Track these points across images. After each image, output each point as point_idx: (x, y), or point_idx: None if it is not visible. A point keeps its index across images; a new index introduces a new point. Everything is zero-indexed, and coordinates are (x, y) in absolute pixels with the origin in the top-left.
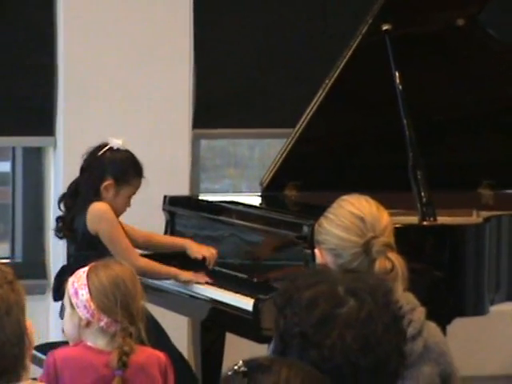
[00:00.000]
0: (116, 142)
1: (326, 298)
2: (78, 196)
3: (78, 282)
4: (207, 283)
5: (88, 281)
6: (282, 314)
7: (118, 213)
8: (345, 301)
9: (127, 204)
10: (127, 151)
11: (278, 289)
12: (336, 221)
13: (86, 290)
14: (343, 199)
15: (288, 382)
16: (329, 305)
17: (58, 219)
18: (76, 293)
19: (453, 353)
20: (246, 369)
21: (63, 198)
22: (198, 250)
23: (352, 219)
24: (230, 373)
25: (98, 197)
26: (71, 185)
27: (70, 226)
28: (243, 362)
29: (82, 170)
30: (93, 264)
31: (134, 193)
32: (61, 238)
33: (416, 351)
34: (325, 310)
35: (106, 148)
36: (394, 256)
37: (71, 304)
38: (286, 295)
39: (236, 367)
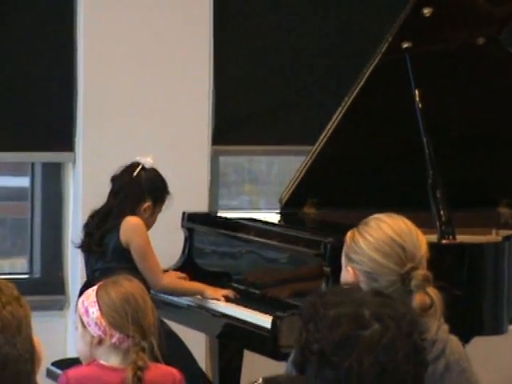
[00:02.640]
0: (147, 161)
1: (350, 319)
2: (110, 216)
3: (88, 301)
4: (225, 299)
5: (98, 298)
6: (305, 327)
7: (147, 229)
8: (368, 324)
9: (155, 221)
10: (155, 169)
11: (306, 301)
12: (375, 244)
13: (97, 307)
14: (381, 220)
15: None
16: (352, 326)
17: (86, 235)
18: (86, 311)
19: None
20: None
21: (94, 216)
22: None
23: (392, 245)
24: None
25: (133, 215)
26: (105, 206)
27: (98, 242)
28: (263, 379)
29: (116, 191)
30: (101, 282)
31: (161, 209)
32: (87, 252)
33: (438, 371)
34: (347, 331)
35: (140, 168)
36: (432, 291)
37: (82, 323)
38: (312, 309)
39: None
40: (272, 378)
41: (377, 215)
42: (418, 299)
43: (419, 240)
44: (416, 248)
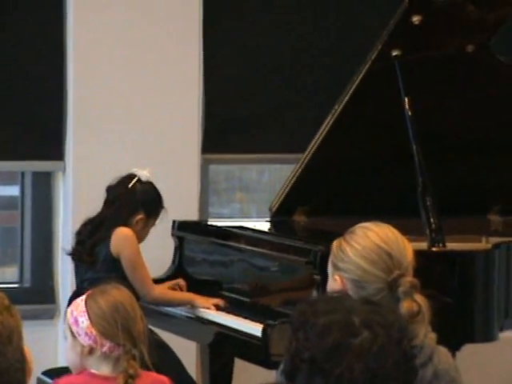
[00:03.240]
0: (144, 174)
1: (340, 327)
2: (102, 226)
3: (77, 310)
4: (217, 308)
5: (87, 308)
6: (295, 335)
7: (138, 242)
8: (358, 332)
9: (148, 234)
10: (151, 183)
11: (296, 309)
12: (362, 252)
13: (86, 316)
14: (368, 228)
15: None
16: (342, 334)
17: (77, 244)
18: (76, 321)
19: (462, 377)
20: None
21: (87, 225)
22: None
23: (379, 253)
24: None
25: (125, 226)
26: (99, 215)
27: (89, 251)
28: None
29: (110, 200)
30: (90, 291)
31: (155, 223)
32: (77, 260)
33: (425, 378)
34: (337, 339)
35: (135, 180)
36: (420, 298)
37: (72, 333)
38: (301, 318)
39: None
40: None
41: (363, 224)
42: (405, 306)
43: (406, 248)
44: (403, 255)
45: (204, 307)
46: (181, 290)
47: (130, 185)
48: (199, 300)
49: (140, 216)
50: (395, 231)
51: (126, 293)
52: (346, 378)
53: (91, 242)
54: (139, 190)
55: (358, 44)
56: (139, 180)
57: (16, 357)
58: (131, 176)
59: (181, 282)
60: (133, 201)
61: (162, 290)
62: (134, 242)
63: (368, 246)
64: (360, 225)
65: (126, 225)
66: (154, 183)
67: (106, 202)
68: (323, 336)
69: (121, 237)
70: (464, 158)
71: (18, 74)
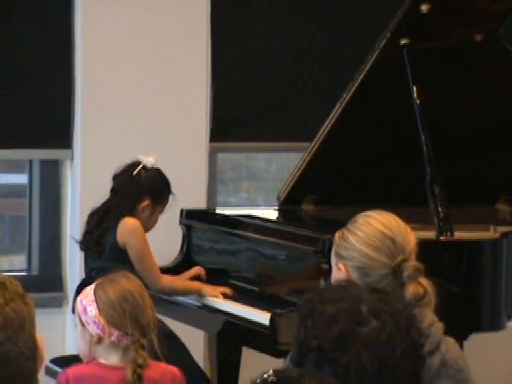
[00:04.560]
0: (149, 161)
1: (348, 316)
2: (109, 214)
3: (86, 299)
4: (224, 297)
5: (96, 297)
6: (303, 323)
7: (147, 230)
8: (367, 321)
9: (157, 221)
10: (158, 169)
11: (304, 297)
12: (366, 239)
13: (94, 305)
14: (370, 216)
15: None
16: (350, 323)
17: (85, 233)
18: (85, 310)
19: (470, 368)
20: (275, 378)
21: (94, 215)
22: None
23: (383, 239)
24: (258, 380)
25: (131, 215)
26: (105, 204)
27: (97, 240)
28: (273, 371)
29: (115, 189)
30: (99, 280)
31: (163, 210)
32: (85, 251)
33: (433, 367)
34: (345, 328)
35: (140, 167)
36: (425, 281)
37: (81, 322)
38: (310, 306)
39: (266, 375)
40: (283, 370)
41: (365, 212)
42: (411, 290)
43: (408, 234)
44: (406, 241)
45: (211, 296)
46: (201, 278)
47: (135, 172)
48: (206, 289)
49: (146, 203)
50: (397, 218)
51: (136, 281)
52: (353, 367)
53: (99, 231)
54: (144, 176)
55: (363, 40)
56: (144, 167)
57: (28, 345)
58: (136, 163)
59: (198, 270)
60: (137, 188)
61: (169, 280)
62: (141, 232)
63: (371, 232)
64: (362, 213)
65: (132, 212)
66: (162, 171)
67: (112, 191)
68: (331, 325)
69: (127, 227)
70: (472, 147)
71: (26, 63)
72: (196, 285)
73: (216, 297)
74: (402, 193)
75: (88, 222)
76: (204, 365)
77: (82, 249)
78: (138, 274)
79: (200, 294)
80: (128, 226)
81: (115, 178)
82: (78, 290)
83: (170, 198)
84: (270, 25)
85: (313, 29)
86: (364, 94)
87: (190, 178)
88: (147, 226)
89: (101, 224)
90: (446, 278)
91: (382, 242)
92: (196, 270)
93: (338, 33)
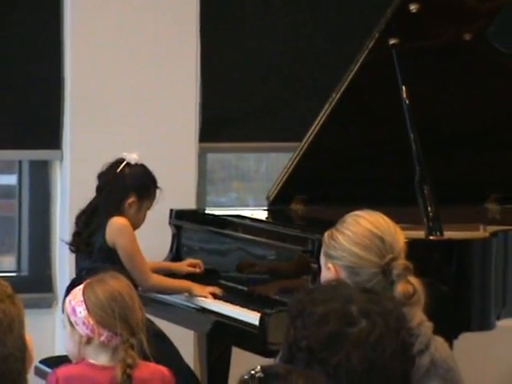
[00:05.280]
0: (132, 157)
1: (337, 316)
2: (96, 213)
3: (75, 300)
4: (214, 297)
5: (84, 297)
6: (293, 323)
7: (136, 227)
8: (356, 321)
9: (145, 217)
10: (142, 165)
11: (294, 297)
12: (354, 238)
13: (83, 306)
14: (359, 215)
15: None
16: (340, 323)
17: (75, 235)
18: (74, 310)
19: (459, 368)
20: (262, 375)
21: (82, 215)
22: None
23: (372, 238)
24: (246, 376)
25: (119, 213)
26: (91, 203)
27: (87, 241)
28: (261, 367)
29: (101, 188)
30: (88, 281)
31: (152, 205)
32: (75, 252)
33: (423, 366)
34: (335, 328)
35: (124, 164)
36: (414, 280)
37: (70, 322)
38: (299, 306)
39: (253, 372)
40: (270, 366)
41: (353, 212)
42: (400, 288)
43: (397, 233)
44: (395, 240)
45: (201, 296)
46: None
47: (119, 169)
48: (196, 288)
49: (132, 199)
50: (386, 218)
51: (124, 282)
52: (343, 367)
53: (88, 231)
54: (128, 173)
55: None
56: (128, 164)
57: (16, 345)
58: (120, 160)
59: (200, 263)
60: (122, 185)
61: (159, 278)
62: (129, 231)
63: (360, 232)
64: (351, 213)
65: (118, 210)
66: (152, 171)
67: (98, 189)
68: (321, 325)
69: (115, 226)
70: (462, 147)
71: (15, 64)
72: (186, 284)
73: (205, 297)
74: (391, 192)
75: (76, 223)
76: (194, 365)
77: (72, 250)
78: (127, 274)
79: (190, 293)
80: (116, 225)
81: (100, 176)
82: (68, 290)
83: (158, 192)
84: (261, 25)
85: (309, 29)
86: (353, 93)
87: (179, 178)
88: (136, 222)
89: (89, 224)
90: (435, 278)
91: (371, 241)
92: (199, 262)
93: (334, 33)
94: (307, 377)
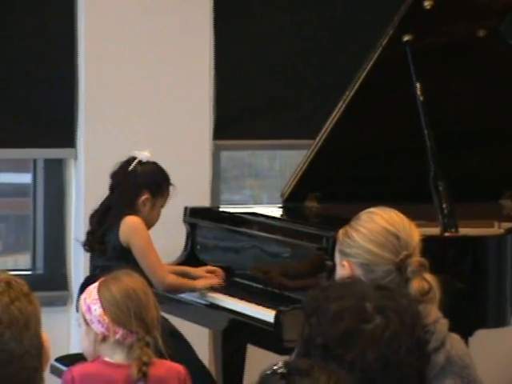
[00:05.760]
0: (144, 155)
1: (352, 313)
2: (109, 212)
3: (90, 298)
4: (229, 295)
5: (99, 295)
6: (308, 321)
7: (151, 225)
8: (371, 318)
9: (160, 215)
10: (154, 163)
11: (309, 295)
12: (369, 235)
13: (98, 304)
14: (373, 212)
15: None
16: (354, 320)
17: (88, 234)
18: (89, 309)
19: (475, 365)
20: (285, 370)
21: (95, 215)
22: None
23: (387, 235)
24: (268, 372)
25: (133, 211)
26: (104, 202)
27: (100, 240)
28: (283, 363)
29: (113, 186)
30: (102, 279)
31: (165, 202)
32: (89, 251)
33: (438, 364)
34: (349, 325)
35: (136, 162)
36: (429, 277)
37: (85, 321)
38: (314, 303)
39: (275, 367)
40: (293, 362)
41: (368, 209)
42: (415, 285)
43: (412, 230)
44: (409, 237)
45: (205, 288)
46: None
47: (131, 168)
48: (199, 283)
49: (145, 196)
50: (401, 215)
51: (139, 279)
52: (358, 365)
53: (101, 230)
54: (140, 170)
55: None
56: (140, 161)
57: (33, 344)
58: (131, 159)
59: (219, 271)
60: (134, 183)
61: (175, 277)
62: (143, 230)
63: (374, 229)
64: (365, 210)
65: (132, 208)
66: (166, 170)
67: (110, 188)
68: (335, 322)
69: (129, 226)
70: (475, 143)
71: (29, 62)
72: (191, 282)
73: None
74: (405, 189)
75: (90, 223)
76: (208, 363)
77: (86, 250)
78: (142, 272)
79: (195, 290)
80: (130, 224)
81: (113, 175)
82: (82, 288)
83: (171, 190)
84: (273, 23)
85: (316, 28)
86: (367, 91)
87: (193, 176)
88: (150, 220)
89: (102, 223)
90: (450, 275)
91: (386, 238)
92: (217, 269)
93: (341, 31)
94: (330, 372)
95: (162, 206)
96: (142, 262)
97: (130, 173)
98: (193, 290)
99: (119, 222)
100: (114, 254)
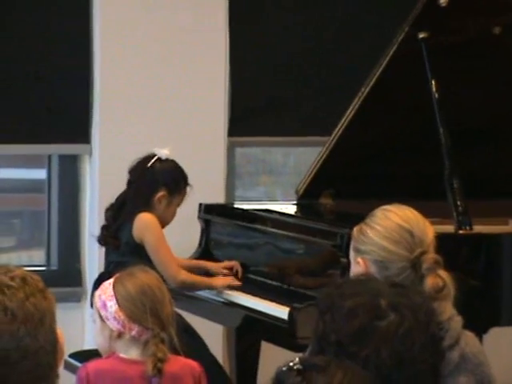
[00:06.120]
0: (163, 152)
1: (366, 310)
2: (124, 208)
3: (105, 294)
4: (243, 291)
5: (115, 292)
6: (322, 318)
7: (166, 223)
8: (385, 315)
9: (175, 213)
10: (173, 161)
11: (323, 292)
12: (384, 233)
13: (114, 301)
14: (388, 210)
15: None
16: (368, 317)
17: (103, 228)
18: (104, 305)
19: (490, 362)
20: (301, 366)
21: (110, 209)
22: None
23: (401, 232)
24: (284, 368)
25: (148, 207)
26: (120, 197)
27: (115, 235)
28: (299, 359)
29: (131, 182)
30: (117, 275)
31: (182, 202)
32: (104, 245)
33: (453, 361)
34: (364, 322)
35: (155, 159)
36: (444, 274)
37: (100, 317)
38: (328, 300)
39: (291, 364)
40: (309, 358)
41: (383, 206)
42: (430, 282)
43: (426, 227)
44: (424, 234)
45: (222, 286)
46: (237, 274)
47: (149, 164)
48: (216, 281)
49: (161, 193)
50: (415, 212)
51: (154, 275)
52: (372, 361)
53: (115, 226)
54: (158, 167)
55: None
56: (159, 159)
57: (48, 339)
58: (151, 155)
59: (236, 265)
60: (152, 179)
61: (188, 274)
62: (156, 227)
63: (389, 226)
64: (380, 208)
65: (148, 204)
66: (177, 162)
67: (128, 184)
68: (350, 319)
69: (142, 222)
70: (490, 140)
71: (43, 58)
72: (207, 279)
73: (226, 287)
74: (420, 186)
75: (105, 217)
76: (222, 359)
77: (100, 244)
78: (155, 269)
79: (212, 288)
80: (143, 221)
81: (131, 171)
82: (96, 284)
83: (188, 190)
84: (288, 19)
85: (332, 21)
86: (382, 88)
87: (208, 173)
88: (165, 218)
89: (117, 218)
90: (464, 272)
91: (401, 235)
92: (234, 264)
93: (359, 25)
94: (346, 368)
95: (178, 205)
96: (155, 258)
97: (148, 169)
98: (210, 288)
99: (133, 218)
100: (127, 249)
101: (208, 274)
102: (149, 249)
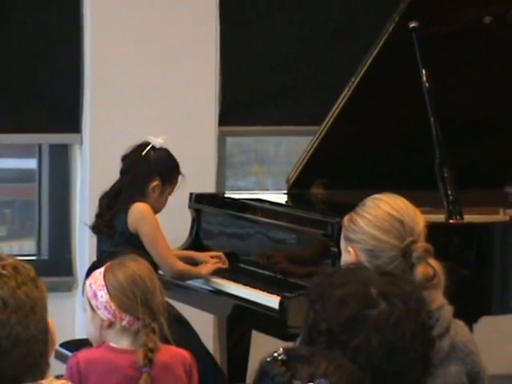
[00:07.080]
0: (158, 141)
1: (357, 299)
2: (119, 196)
3: (96, 284)
4: (234, 281)
5: (105, 281)
6: (312, 307)
7: (157, 211)
8: (376, 303)
9: (166, 202)
10: (167, 150)
11: (313, 281)
12: (374, 221)
13: (105, 290)
14: (378, 199)
15: (325, 376)
16: (359, 306)
17: (97, 216)
18: (95, 295)
19: (480, 351)
20: (285, 357)
21: (105, 197)
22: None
23: (392, 221)
24: (269, 359)
25: (142, 196)
26: (115, 185)
27: (109, 223)
28: (284, 349)
29: (125, 170)
30: (108, 264)
31: (173, 190)
32: (97, 234)
33: (443, 350)
34: (354, 311)
35: (149, 147)
36: (434, 263)
37: (91, 306)
38: (318, 289)
39: (276, 354)
40: (293, 348)
41: (373, 195)
42: (420, 271)
43: (417, 216)
44: (414, 223)
45: (207, 274)
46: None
47: (144, 152)
48: (203, 269)
49: (155, 183)
50: (405, 201)
51: (145, 265)
52: (363, 350)
53: (110, 214)
54: (153, 156)
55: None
56: (153, 147)
57: (39, 328)
58: (145, 144)
59: (222, 256)
60: (147, 168)
61: (184, 264)
62: (152, 217)
63: (379, 215)
64: (371, 197)
65: (142, 193)
66: (173, 155)
67: (121, 172)
68: (340, 308)
69: (137, 212)
70: (481, 131)
71: (34, 48)
72: (196, 269)
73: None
74: (411, 176)
75: (99, 206)
76: (213, 349)
77: (94, 232)
78: (149, 259)
79: (201, 277)
80: (138, 211)
81: (124, 158)
82: (89, 274)
83: (179, 178)
84: (280, 8)
85: (323, 10)
86: (373, 77)
87: (198, 162)
88: (157, 207)
89: (112, 206)
90: (455, 261)
91: (391, 224)
92: (220, 255)
93: (349, 14)
94: (331, 358)
95: (170, 194)
96: (152, 249)
97: (143, 158)
98: (199, 276)
99: (128, 208)
100: (121, 239)
101: (195, 263)
102: (145, 240)
